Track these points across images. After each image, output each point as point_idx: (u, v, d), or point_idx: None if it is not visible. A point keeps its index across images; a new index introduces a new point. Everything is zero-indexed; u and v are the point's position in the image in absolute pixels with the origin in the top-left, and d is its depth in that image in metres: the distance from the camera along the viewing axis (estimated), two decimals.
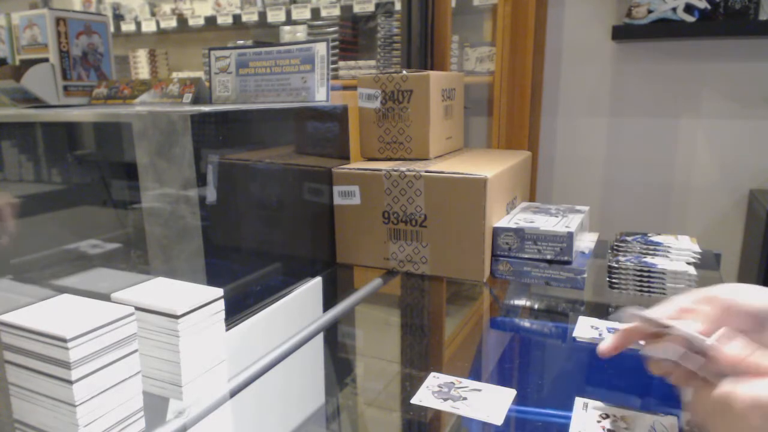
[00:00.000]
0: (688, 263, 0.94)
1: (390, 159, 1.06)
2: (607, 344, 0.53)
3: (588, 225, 1.15)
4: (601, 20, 1.74)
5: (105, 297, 0.57)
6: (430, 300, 0.97)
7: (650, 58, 1.72)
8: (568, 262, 0.93)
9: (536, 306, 0.92)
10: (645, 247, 0.99)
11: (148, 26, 3.00)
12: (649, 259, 0.95)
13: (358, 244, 1.00)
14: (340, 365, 0.80)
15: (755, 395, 0.37)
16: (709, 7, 1.55)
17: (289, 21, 2.58)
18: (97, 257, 0.83)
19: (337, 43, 2.42)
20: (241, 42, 2.73)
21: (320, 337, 0.77)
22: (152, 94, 1.02)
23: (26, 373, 0.49)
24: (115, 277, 0.79)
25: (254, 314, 0.75)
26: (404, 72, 1.03)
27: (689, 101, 1.69)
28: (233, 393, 0.62)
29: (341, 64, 2.43)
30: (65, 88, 1.09)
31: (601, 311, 0.88)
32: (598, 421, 0.55)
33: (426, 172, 0.93)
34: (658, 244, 0.99)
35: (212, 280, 0.70)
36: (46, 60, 1.07)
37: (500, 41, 1.69)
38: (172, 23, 2.91)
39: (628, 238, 1.04)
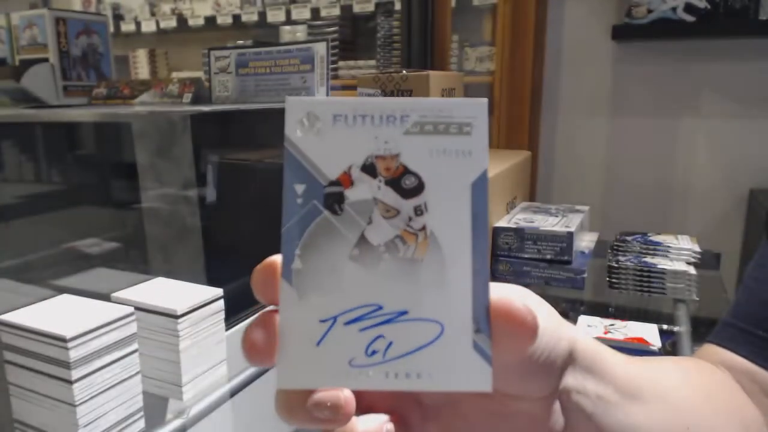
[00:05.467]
0: (688, 263, 0.94)
1: None
2: None
3: (588, 225, 1.15)
4: (601, 20, 1.74)
5: (105, 297, 0.57)
6: None
7: (650, 58, 1.71)
8: (568, 262, 0.93)
9: None
10: (645, 246, 0.99)
11: (148, 26, 2.99)
12: (649, 259, 0.95)
13: None
14: None
15: None
16: (709, 7, 1.55)
17: (289, 21, 2.58)
18: (97, 257, 0.83)
19: (336, 42, 2.42)
20: (240, 42, 2.73)
21: None
22: (152, 94, 1.02)
23: (26, 373, 0.49)
24: (115, 277, 0.79)
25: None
26: (404, 72, 1.03)
27: (689, 101, 1.69)
28: (233, 393, 0.62)
29: (341, 63, 2.42)
30: (65, 88, 1.08)
31: (601, 311, 0.88)
32: None
33: None
34: (658, 243, 0.99)
35: (212, 280, 0.70)
36: (45, 60, 1.07)
37: (500, 41, 1.69)
38: (172, 23, 2.91)
39: (628, 238, 1.04)
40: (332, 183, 0.21)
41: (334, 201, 0.21)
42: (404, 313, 0.21)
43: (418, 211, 0.21)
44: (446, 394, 0.26)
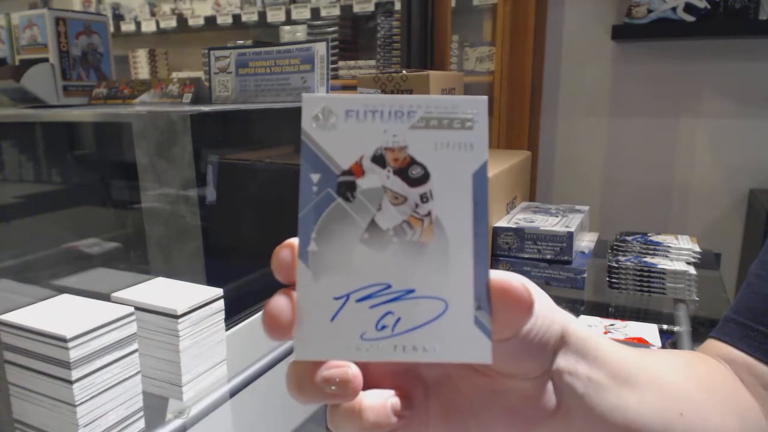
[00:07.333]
0: (688, 263, 0.94)
1: None
2: None
3: (588, 225, 1.15)
4: (601, 20, 1.74)
5: (105, 297, 0.57)
6: None
7: (650, 58, 1.71)
8: (568, 262, 0.93)
9: None
10: (645, 246, 0.99)
11: (148, 26, 2.99)
12: (649, 259, 0.95)
13: None
14: None
15: None
16: (709, 6, 1.55)
17: (289, 21, 2.58)
18: (97, 257, 0.83)
19: (336, 42, 2.42)
20: (240, 42, 2.72)
21: None
22: (152, 94, 1.02)
23: (26, 373, 0.49)
24: (115, 277, 0.79)
25: (254, 314, 0.75)
26: (404, 72, 1.03)
27: (689, 101, 1.69)
28: (233, 393, 0.62)
29: (341, 64, 2.42)
30: (65, 88, 1.08)
31: (601, 311, 0.88)
32: None
33: None
34: (658, 243, 0.99)
35: (212, 280, 0.70)
36: (45, 60, 1.07)
37: (500, 41, 1.69)
38: (172, 23, 2.91)
39: (628, 238, 1.04)
40: (345, 172, 0.23)
41: (347, 189, 0.23)
42: (411, 291, 0.22)
43: (424, 198, 0.23)
44: (446, 372, 0.27)
